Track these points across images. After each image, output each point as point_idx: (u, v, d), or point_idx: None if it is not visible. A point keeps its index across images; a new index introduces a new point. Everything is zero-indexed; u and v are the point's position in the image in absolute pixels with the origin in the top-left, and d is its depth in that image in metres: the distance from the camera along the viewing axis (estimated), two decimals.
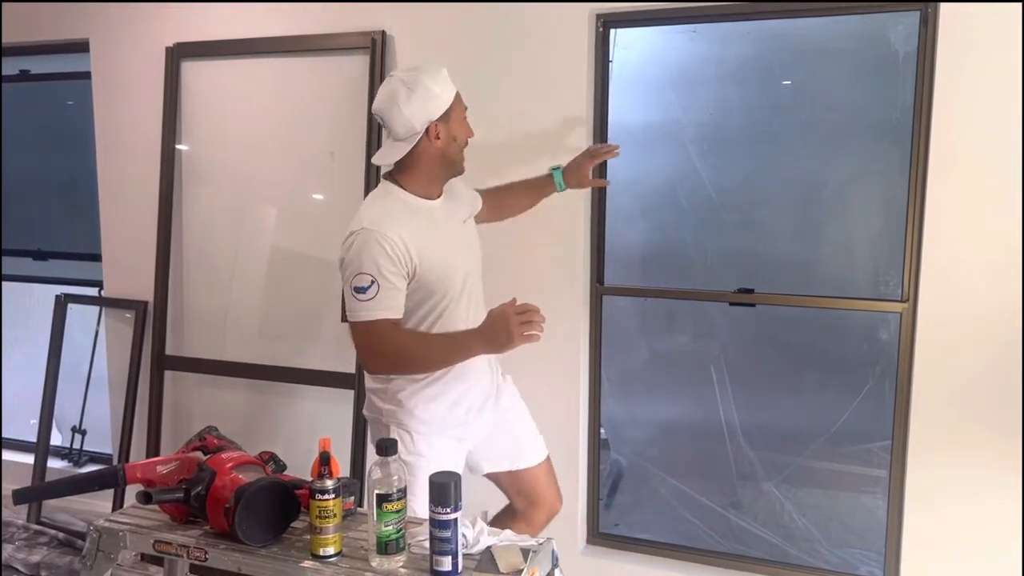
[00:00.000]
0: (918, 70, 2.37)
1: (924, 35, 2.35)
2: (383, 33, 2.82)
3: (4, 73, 3.63)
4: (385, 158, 2.00)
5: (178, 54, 3.15)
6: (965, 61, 2.27)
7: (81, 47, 3.34)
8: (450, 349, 1.93)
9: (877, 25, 2.51)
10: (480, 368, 2.08)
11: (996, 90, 2.24)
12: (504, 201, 2.40)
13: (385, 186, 2.02)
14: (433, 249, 1.94)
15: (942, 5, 2.27)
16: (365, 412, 2.17)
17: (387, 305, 1.86)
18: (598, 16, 2.64)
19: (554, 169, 2.41)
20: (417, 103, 1.90)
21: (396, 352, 1.90)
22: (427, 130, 1.94)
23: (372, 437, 2.24)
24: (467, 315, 2.03)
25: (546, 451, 2.32)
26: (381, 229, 1.86)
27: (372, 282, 1.83)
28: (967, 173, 2.30)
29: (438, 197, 2.05)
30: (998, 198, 2.28)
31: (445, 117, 1.95)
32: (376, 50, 2.80)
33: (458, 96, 1.99)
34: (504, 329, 1.78)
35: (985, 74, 2.25)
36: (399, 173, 2.01)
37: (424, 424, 2.03)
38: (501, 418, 2.21)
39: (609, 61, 2.69)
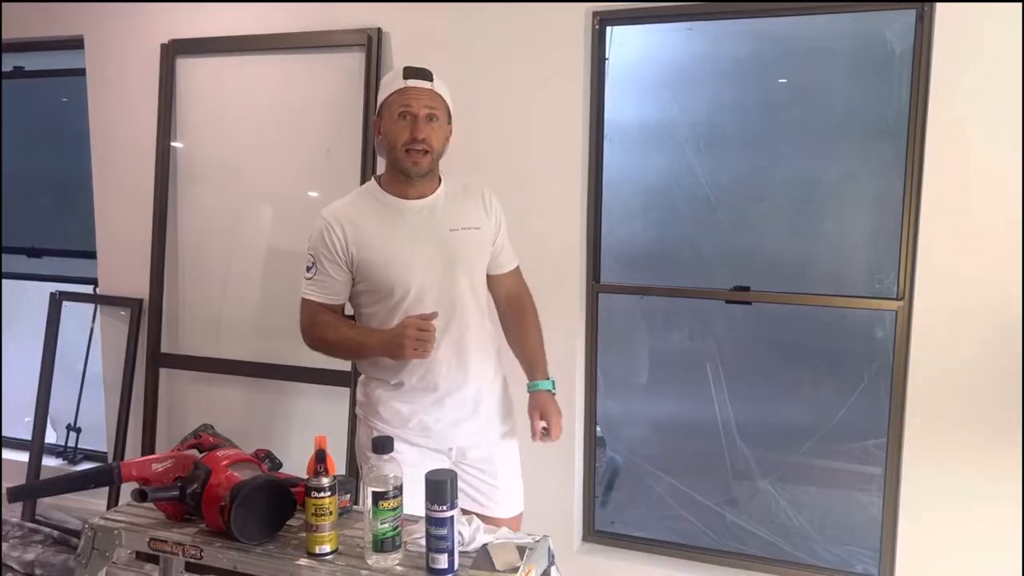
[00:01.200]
0: (914, 68, 2.37)
1: (920, 33, 2.35)
2: (379, 30, 2.81)
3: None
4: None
5: (173, 51, 3.14)
6: (961, 59, 2.27)
7: (76, 44, 3.32)
8: (355, 343, 2.00)
9: (873, 23, 2.52)
10: (455, 380, 2.01)
11: (992, 88, 2.25)
12: (506, 311, 2.22)
13: (369, 181, 2.06)
14: (381, 246, 1.94)
15: (938, 4, 2.27)
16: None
17: (318, 289, 1.98)
18: (594, 14, 2.64)
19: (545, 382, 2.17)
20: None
21: (313, 331, 2.00)
22: (373, 123, 2.02)
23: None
24: (438, 327, 1.91)
25: (520, 509, 2.21)
26: (329, 219, 1.96)
27: (313, 264, 1.98)
28: (963, 171, 2.30)
29: (420, 197, 1.99)
30: (994, 196, 2.28)
31: (380, 113, 1.97)
32: (372, 47, 2.80)
33: (400, 94, 1.91)
34: (400, 339, 1.84)
35: (981, 72, 2.26)
36: (383, 169, 2.04)
37: (384, 423, 2.03)
38: (487, 458, 2.11)
39: (605, 59, 2.69)
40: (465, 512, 2.13)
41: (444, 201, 2.02)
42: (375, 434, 2.00)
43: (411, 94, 1.90)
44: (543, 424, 2.10)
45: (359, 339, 1.99)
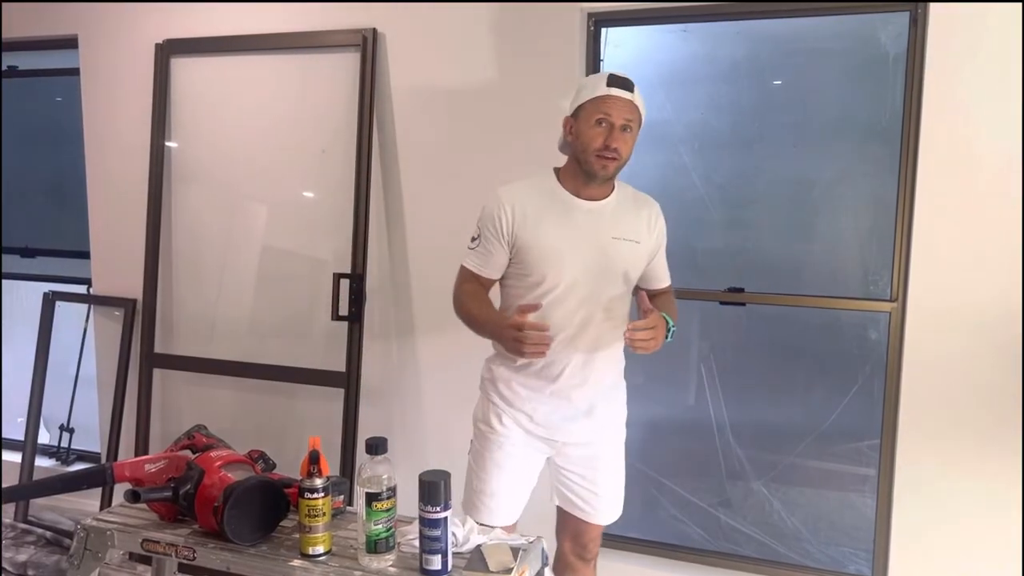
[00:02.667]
0: (908, 69, 2.38)
1: (914, 35, 2.36)
2: (374, 31, 2.81)
3: None
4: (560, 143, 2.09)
5: (168, 51, 3.14)
6: (954, 61, 2.28)
7: (70, 43, 3.32)
8: (479, 321, 2.00)
9: (867, 25, 2.52)
10: (575, 378, 2.03)
11: (985, 89, 2.26)
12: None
13: (547, 170, 2.09)
14: (544, 236, 1.97)
15: (932, 5, 2.28)
16: None
17: (475, 259, 2.05)
18: (590, 15, 2.64)
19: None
20: (572, 96, 2.02)
21: (458, 296, 2.07)
22: (564, 121, 2.04)
23: None
24: (575, 324, 2.00)
25: (615, 517, 2.23)
26: (502, 197, 2.01)
27: (477, 236, 2.05)
28: (956, 173, 2.31)
29: (595, 199, 2.03)
30: (988, 198, 2.29)
31: (576, 114, 1.99)
32: (367, 48, 2.80)
33: (600, 101, 1.93)
34: (502, 331, 1.88)
35: (974, 73, 2.26)
36: (564, 163, 2.08)
37: (502, 399, 2.07)
38: (590, 458, 2.14)
39: (600, 60, 2.70)
40: (566, 515, 2.21)
41: (613, 208, 2.06)
42: (492, 409, 2.09)
43: (611, 103, 1.94)
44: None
45: (480, 318, 2.00)
